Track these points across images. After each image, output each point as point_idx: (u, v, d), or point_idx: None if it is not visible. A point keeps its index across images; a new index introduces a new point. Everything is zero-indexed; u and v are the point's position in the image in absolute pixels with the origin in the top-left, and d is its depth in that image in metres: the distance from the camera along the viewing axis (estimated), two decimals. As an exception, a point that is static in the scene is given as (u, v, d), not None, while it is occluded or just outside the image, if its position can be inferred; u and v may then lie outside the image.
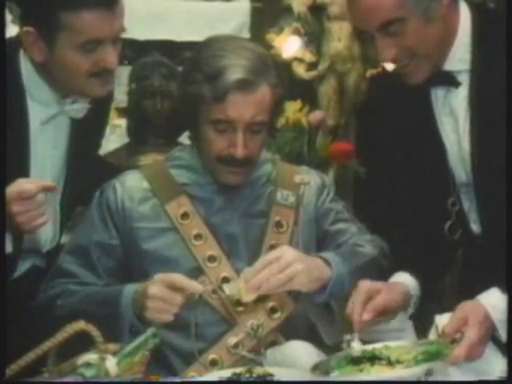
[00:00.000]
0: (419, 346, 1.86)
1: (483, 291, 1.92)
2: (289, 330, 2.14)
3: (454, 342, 1.83)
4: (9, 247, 2.03)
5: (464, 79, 2.05)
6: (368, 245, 2.20)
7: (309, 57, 4.16)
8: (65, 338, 1.64)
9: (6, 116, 2.05)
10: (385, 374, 1.76)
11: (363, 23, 1.98)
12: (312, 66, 4.18)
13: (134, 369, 1.71)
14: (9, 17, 2.29)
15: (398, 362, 1.79)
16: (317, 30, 4.17)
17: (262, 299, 2.12)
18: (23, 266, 2.31)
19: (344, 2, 2.06)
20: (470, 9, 2.06)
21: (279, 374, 1.89)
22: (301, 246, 2.16)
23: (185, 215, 2.19)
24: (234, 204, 2.22)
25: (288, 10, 4.20)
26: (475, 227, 2.14)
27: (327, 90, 4.17)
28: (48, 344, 1.64)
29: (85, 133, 2.33)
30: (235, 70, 2.09)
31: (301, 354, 1.99)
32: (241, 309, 2.13)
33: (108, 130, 3.77)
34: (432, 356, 1.78)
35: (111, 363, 1.64)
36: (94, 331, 1.64)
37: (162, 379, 1.94)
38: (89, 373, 1.63)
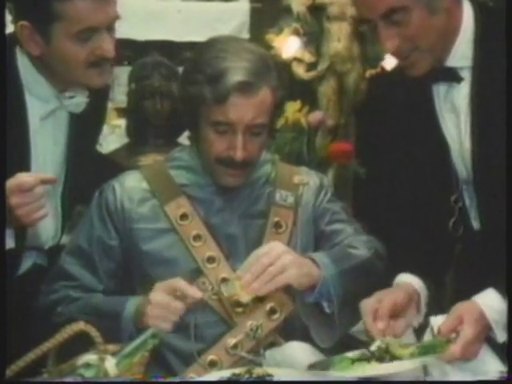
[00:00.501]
0: (415, 343, 1.86)
1: (481, 288, 1.93)
2: (288, 331, 2.14)
3: (449, 341, 1.84)
4: (10, 243, 2.03)
5: (466, 76, 2.05)
6: (362, 246, 2.20)
7: (308, 57, 4.16)
8: (64, 338, 1.64)
9: (5, 113, 2.05)
10: (380, 369, 1.77)
11: (367, 11, 1.98)
12: (311, 66, 4.19)
13: (134, 369, 1.72)
14: (9, 17, 2.29)
15: (395, 357, 1.80)
16: (316, 30, 4.18)
17: (261, 300, 2.13)
18: (25, 265, 2.30)
19: (343, 2, 2.06)
20: (472, 6, 2.06)
21: (278, 374, 1.89)
22: (299, 246, 2.16)
23: (184, 216, 2.19)
24: (233, 205, 2.22)
25: (287, 10, 4.21)
26: (475, 224, 2.14)
27: (327, 90, 4.17)
28: (48, 345, 1.64)
29: (84, 128, 2.32)
30: (236, 72, 2.09)
31: (300, 354, 1.99)
32: (240, 310, 2.13)
33: (107, 129, 3.79)
34: (428, 350, 1.79)
35: (111, 364, 1.64)
36: (94, 332, 1.64)
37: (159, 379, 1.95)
38: (88, 373, 1.63)
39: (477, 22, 2.04)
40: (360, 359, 1.84)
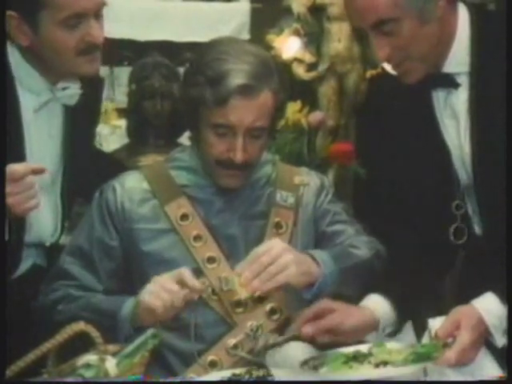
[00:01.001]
0: (411, 347, 1.86)
1: (483, 292, 1.92)
2: (288, 332, 2.13)
3: (446, 345, 1.83)
4: (7, 237, 2.02)
5: (463, 81, 2.05)
6: (363, 246, 2.20)
7: (309, 57, 4.16)
8: (64, 338, 1.64)
9: None
10: (373, 373, 1.77)
11: (358, 21, 1.98)
12: (312, 66, 4.18)
13: (134, 369, 1.72)
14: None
15: (388, 362, 1.79)
16: (317, 30, 4.17)
17: (261, 300, 2.13)
18: (24, 265, 2.30)
19: (343, 2, 2.06)
20: (468, 11, 2.06)
21: (279, 374, 1.89)
22: (299, 246, 2.16)
23: (184, 216, 2.19)
24: (233, 205, 2.22)
25: (288, 10, 4.20)
26: (477, 229, 2.14)
27: (327, 90, 4.17)
28: (48, 345, 1.64)
29: (79, 121, 2.32)
30: (237, 75, 2.09)
31: (300, 354, 1.99)
32: (240, 310, 2.13)
33: (108, 129, 3.80)
34: (421, 358, 1.79)
35: (111, 364, 1.64)
36: (94, 332, 1.64)
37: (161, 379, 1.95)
38: (88, 374, 1.63)
39: (473, 27, 2.04)
40: (353, 358, 1.84)
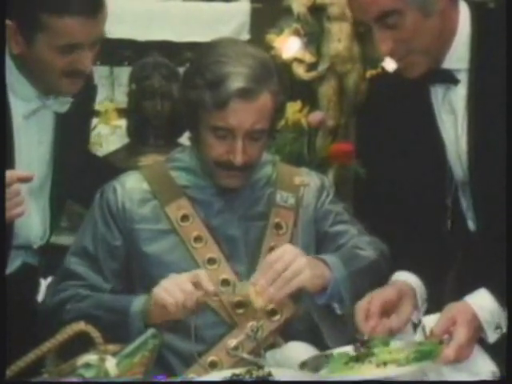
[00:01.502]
0: (411, 345, 1.86)
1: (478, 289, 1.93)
2: (288, 332, 2.13)
3: (441, 342, 1.83)
4: None
5: (463, 78, 2.05)
6: (368, 247, 2.20)
7: (309, 57, 4.17)
8: (65, 338, 1.64)
9: None
10: (374, 373, 1.77)
11: (361, 14, 1.98)
12: (312, 66, 4.19)
13: (134, 369, 1.71)
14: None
15: (390, 361, 1.79)
16: (317, 30, 4.18)
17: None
18: (14, 264, 2.30)
19: (344, 2, 2.06)
20: (469, 8, 2.06)
21: (279, 374, 1.89)
22: (300, 247, 2.15)
23: (185, 217, 2.19)
24: (233, 206, 2.22)
25: (288, 10, 4.21)
26: (472, 225, 2.14)
27: (327, 90, 4.17)
28: (48, 345, 1.64)
29: (71, 127, 2.32)
30: (237, 78, 2.08)
31: (301, 354, 1.98)
32: (241, 311, 2.13)
33: (108, 129, 3.80)
34: (424, 356, 1.79)
35: (111, 364, 1.64)
36: (94, 332, 1.64)
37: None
38: (88, 373, 1.63)
39: (473, 23, 2.04)
40: (354, 358, 1.83)
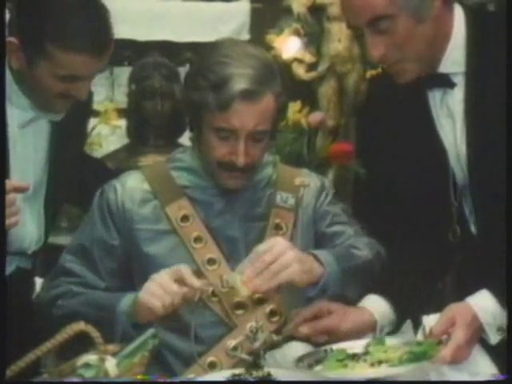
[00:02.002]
0: (406, 345, 1.86)
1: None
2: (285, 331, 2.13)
3: (440, 343, 1.83)
4: None
5: (459, 81, 2.05)
6: (364, 248, 2.20)
7: (309, 58, 4.17)
8: (64, 338, 1.64)
9: None
10: (367, 373, 1.77)
11: (354, 18, 1.98)
12: (312, 66, 4.19)
13: (134, 370, 1.71)
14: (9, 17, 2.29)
15: (383, 360, 1.79)
16: (317, 30, 4.18)
17: (260, 302, 2.13)
18: (8, 269, 2.30)
19: (339, 1, 2.06)
20: (464, 11, 2.06)
21: (279, 374, 1.89)
22: (299, 248, 2.15)
23: (185, 218, 2.19)
24: (234, 207, 2.22)
25: (288, 10, 4.21)
26: (473, 228, 2.14)
27: (327, 90, 4.18)
28: (48, 345, 1.63)
29: (65, 134, 2.32)
30: (240, 79, 2.08)
31: (299, 354, 1.98)
32: (240, 312, 2.13)
33: (108, 129, 3.80)
34: (417, 357, 1.79)
35: (111, 364, 1.64)
36: (94, 332, 1.64)
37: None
38: (88, 374, 1.63)
39: (468, 27, 2.04)
40: (350, 357, 1.84)
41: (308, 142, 3.85)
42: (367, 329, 2.02)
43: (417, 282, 2.11)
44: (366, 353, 1.84)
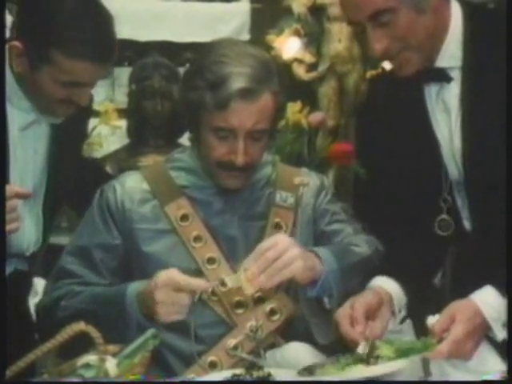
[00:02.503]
0: (403, 343, 1.87)
1: (477, 288, 1.93)
2: (288, 332, 2.13)
3: (441, 340, 1.83)
4: None
5: (456, 76, 2.06)
6: (363, 244, 2.20)
7: (309, 58, 4.17)
8: (65, 339, 1.64)
9: None
10: (364, 373, 1.78)
11: (355, 14, 1.98)
12: (312, 67, 4.19)
13: (134, 370, 1.71)
14: (9, 17, 2.29)
15: (378, 357, 1.80)
16: (317, 31, 4.18)
17: (261, 301, 2.13)
18: (6, 270, 2.30)
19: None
20: (461, 6, 2.07)
21: (279, 374, 1.89)
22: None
23: (184, 217, 2.19)
24: (233, 206, 2.22)
25: (288, 10, 4.21)
26: (467, 224, 2.14)
27: (327, 90, 4.17)
28: (48, 345, 1.63)
29: (66, 136, 2.33)
30: (238, 78, 2.08)
31: (300, 355, 1.99)
32: (240, 311, 2.13)
33: (108, 130, 3.80)
34: (409, 352, 1.79)
35: (111, 364, 1.64)
36: (94, 332, 1.64)
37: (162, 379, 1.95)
38: (88, 374, 1.63)
39: (465, 21, 2.05)
40: (350, 363, 1.84)
41: (308, 142, 3.85)
42: (387, 304, 2.01)
43: (415, 279, 2.11)
44: (364, 356, 1.85)
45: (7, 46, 2.15)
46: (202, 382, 1.98)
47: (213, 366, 2.08)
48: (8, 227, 1.94)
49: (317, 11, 4.18)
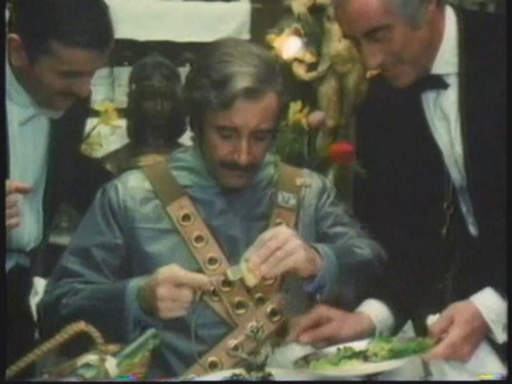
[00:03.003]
0: (400, 342, 1.87)
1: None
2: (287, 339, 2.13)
3: (439, 341, 1.83)
4: None
5: (452, 82, 2.05)
6: (365, 247, 2.20)
7: (309, 57, 4.16)
8: (65, 338, 1.64)
9: None
10: (356, 369, 1.80)
11: (350, 29, 1.98)
12: (312, 66, 4.18)
13: (134, 370, 1.71)
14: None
15: (374, 355, 1.80)
16: (317, 30, 4.18)
17: (262, 301, 2.13)
18: (7, 265, 2.30)
19: (334, 12, 2.06)
20: (455, 12, 2.06)
21: (279, 374, 1.89)
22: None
23: (186, 217, 2.18)
24: (235, 207, 2.21)
25: (288, 10, 4.21)
26: (472, 230, 2.14)
27: (327, 90, 4.17)
28: (48, 345, 1.63)
29: (65, 132, 2.33)
30: (243, 77, 2.08)
31: (300, 355, 1.99)
32: (241, 311, 2.12)
33: (108, 129, 3.80)
34: (403, 352, 1.79)
35: (111, 364, 1.64)
36: (94, 332, 1.64)
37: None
38: (88, 374, 1.63)
39: (460, 28, 2.04)
40: (346, 357, 1.84)
41: (308, 142, 3.85)
42: (366, 335, 2.02)
43: (416, 282, 2.11)
44: (359, 350, 1.85)
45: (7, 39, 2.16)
46: (202, 382, 1.98)
47: (213, 366, 2.07)
48: (8, 222, 1.94)
49: (317, 11, 4.18)
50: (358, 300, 2.10)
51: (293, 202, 2.25)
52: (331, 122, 4.09)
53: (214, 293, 2.12)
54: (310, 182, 2.29)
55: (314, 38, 4.18)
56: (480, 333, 1.89)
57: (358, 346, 1.90)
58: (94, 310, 1.98)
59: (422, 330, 2.01)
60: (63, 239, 2.74)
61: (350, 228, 2.28)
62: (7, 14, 2.20)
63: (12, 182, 1.97)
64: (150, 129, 3.77)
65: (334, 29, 4.11)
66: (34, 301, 2.44)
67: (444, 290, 2.26)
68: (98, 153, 3.68)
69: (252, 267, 1.95)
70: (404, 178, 2.15)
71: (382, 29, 1.93)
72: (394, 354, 1.81)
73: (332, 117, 4.12)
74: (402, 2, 1.91)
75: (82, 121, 2.56)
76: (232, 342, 2.10)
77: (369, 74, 4.01)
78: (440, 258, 2.18)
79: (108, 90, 4.25)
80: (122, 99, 4.04)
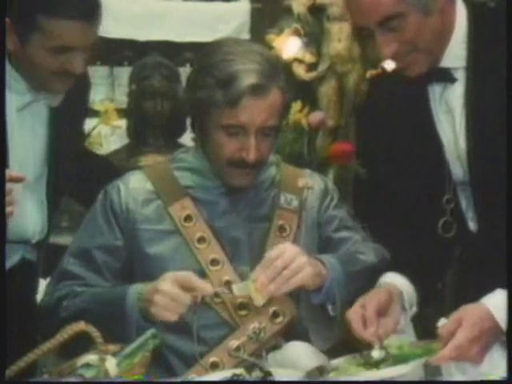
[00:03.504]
0: (408, 345, 1.86)
1: (481, 290, 1.91)
2: (291, 335, 2.13)
3: (446, 343, 1.83)
4: None
5: (460, 76, 2.06)
6: (369, 252, 2.19)
7: (309, 58, 4.16)
8: (65, 338, 1.64)
9: None
10: (366, 375, 1.79)
11: (363, 19, 1.98)
12: (312, 66, 4.18)
13: (134, 370, 1.71)
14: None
15: (382, 361, 1.80)
16: (317, 30, 4.18)
17: (264, 303, 2.12)
18: (13, 259, 2.30)
19: (344, 2, 2.06)
20: (466, 6, 2.07)
21: (279, 374, 1.89)
22: (303, 249, 2.15)
23: (188, 218, 2.18)
24: (237, 208, 2.21)
25: (288, 10, 4.21)
26: (472, 225, 2.14)
27: (327, 90, 4.17)
28: (48, 345, 1.63)
29: (64, 122, 2.33)
30: (248, 75, 2.08)
31: (301, 355, 1.99)
32: (243, 312, 2.12)
33: (108, 129, 3.80)
34: (412, 356, 1.79)
35: (111, 364, 1.64)
36: (94, 332, 1.64)
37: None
38: (89, 373, 1.63)
39: (470, 21, 2.05)
40: (359, 364, 1.84)
41: (308, 142, 3.85)
42: (397, 300, 2.00)
43: (418, 281, 2.10)
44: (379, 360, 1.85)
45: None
46: (202, 382, 1.98)
47: (214, 366, 2.06)
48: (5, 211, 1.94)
49: (317, 11, 4.18)
50: None
51: (295, 203, 2.24)
52: (331, 122, 4.09)
53: (217, 294, 2.11)
54: (312, 183, 2.28)
55: (314, 38, 4.18)
56: (491, 334, 1.87)
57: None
58: (95, 314, 1.98)
59: (424, 331, 2.01)
60: (63, 239, 2.73)
61: (355, 232, 2.28)
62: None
63: (6, 171, 1.97)
64: (150, 129, 3.78)
65: (334, 29, 4.11)
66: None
67: (444, 287, 2.26)
68: (98, 153, 3.68)
69: (259, 287, 1.96)
70: (404, 176, 2.15)
71: (396, 17, 1.93)
72: (400, 360, 1.80)
73: (332, 117, 4.12)
74: None
75: (81, 112, 2.54)
76: (234, 342, 2.09)
77: (369, 74, 4.03)
78: (440, 255, 2.18)
79: (108, 90, 4.26)
80: (122, 99, 4.04)
